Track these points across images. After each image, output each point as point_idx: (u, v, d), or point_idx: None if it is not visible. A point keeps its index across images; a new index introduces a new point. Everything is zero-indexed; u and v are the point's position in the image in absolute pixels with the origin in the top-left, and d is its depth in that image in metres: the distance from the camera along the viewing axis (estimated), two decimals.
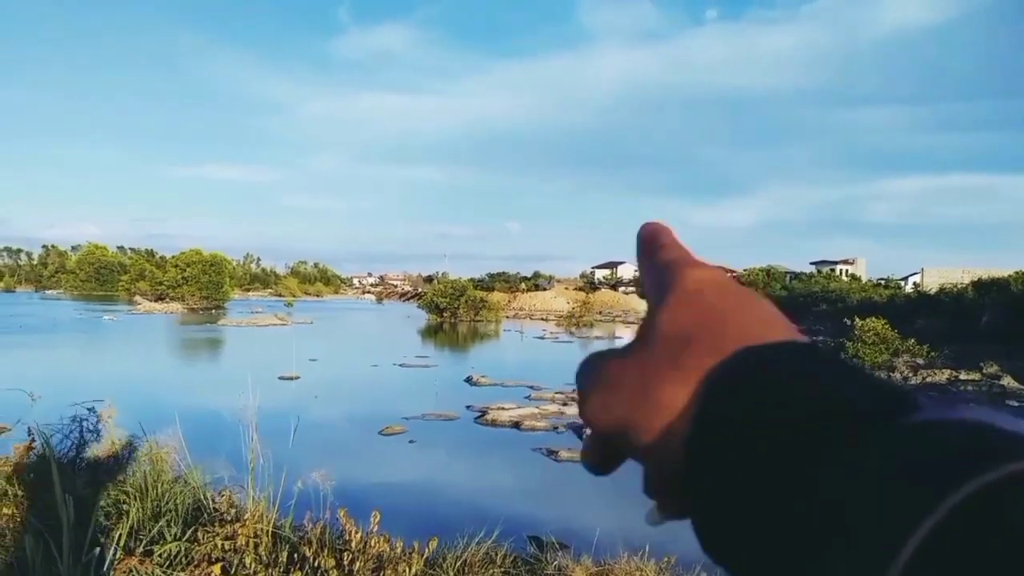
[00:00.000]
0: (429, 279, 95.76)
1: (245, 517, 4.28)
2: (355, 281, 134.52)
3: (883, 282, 64.19)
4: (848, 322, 22.21)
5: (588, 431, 0.39)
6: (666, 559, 4.77)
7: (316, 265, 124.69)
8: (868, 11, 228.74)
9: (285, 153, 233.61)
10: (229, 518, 4.46)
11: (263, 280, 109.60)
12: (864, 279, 67.62)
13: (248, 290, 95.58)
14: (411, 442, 11.43)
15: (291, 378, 17.35)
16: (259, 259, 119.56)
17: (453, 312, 43.76)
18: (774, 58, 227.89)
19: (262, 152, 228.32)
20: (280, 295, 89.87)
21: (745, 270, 76.07)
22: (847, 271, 76.95)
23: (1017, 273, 32.40)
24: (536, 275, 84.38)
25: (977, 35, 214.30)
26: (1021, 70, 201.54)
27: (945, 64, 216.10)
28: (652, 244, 0.41)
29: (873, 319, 20.54)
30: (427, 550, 4.14)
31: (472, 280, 62.27)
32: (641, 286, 0.41)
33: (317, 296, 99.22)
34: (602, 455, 0.39)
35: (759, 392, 0.30)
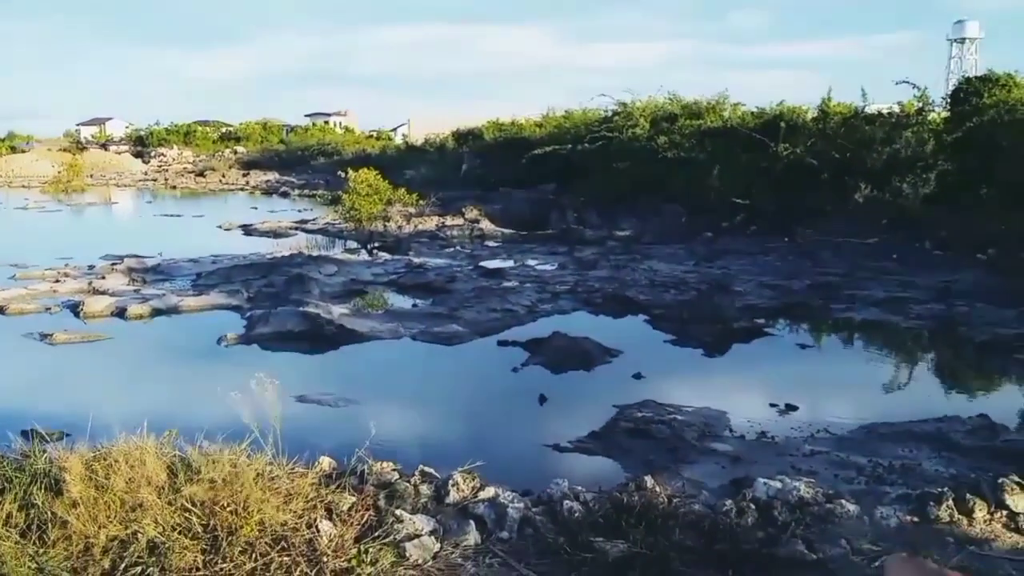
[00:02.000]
0: None
1: None
2: None
3: (375, 134, 67.70)
4: (344, 175, 23.02)
5: None
6: (167, 432, 4.64)
7: None
8: None
9: None
10: None
11: None
12: (357, 131, 70.41)
13: None
14: None
15: None
16: None
17: None
18: None
19: None
20: None
21: (242, 124, 74.21)
22: (341, 123, 79.34)
23: (489, 123, 36.41)
24: (11, 135, 72.70)
25: None
26: None
27: None
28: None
29: (366, 171, 21.51)
30: None
31: None
32: None
33: None
34: None
35: None
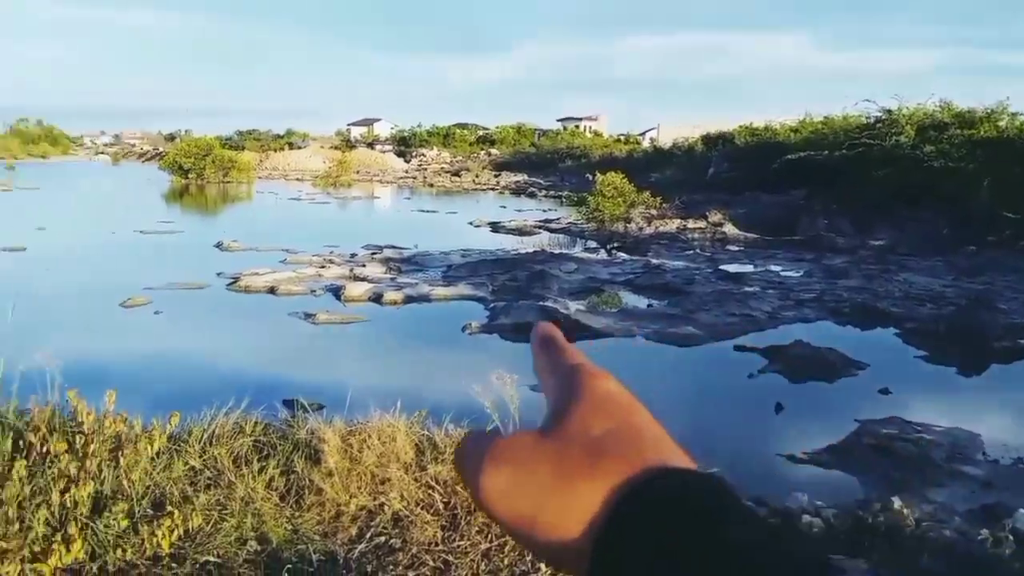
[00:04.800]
0: (171, 137, 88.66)
1: None
2: (87, 140, 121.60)
3: (623, 138, 67.96)
4: (590, 176, 23.43)
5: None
6: (418, 413, 4.97)
7: (40, 123, 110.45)
8: None
9: None
10: None
11: None
12: (606, 135, 71.09)
13: None
14: (157, 313, 10.88)
15: (16, 249, 15.72)
16: None
17: (199, 173, 41.05)
18: None
19: None
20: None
21: (498, 127, 77.29)
22: (591, 128, 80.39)
23: (741, 127, 35.43)
24: (289, 133, 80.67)
25: None
26: None
27: None
28: (552, 342, 0.47)
29: (612, 173, 21.75)
30: (169, 426, 4.05)
31: (220, 138, 58.38)
32: (537, 373, 0.46)
33: (43, 158, 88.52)
34: None
35: (668, 520, 0.33)
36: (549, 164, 51.35)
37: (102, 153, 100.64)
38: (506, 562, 3.66)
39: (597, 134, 71.74)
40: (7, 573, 3.04)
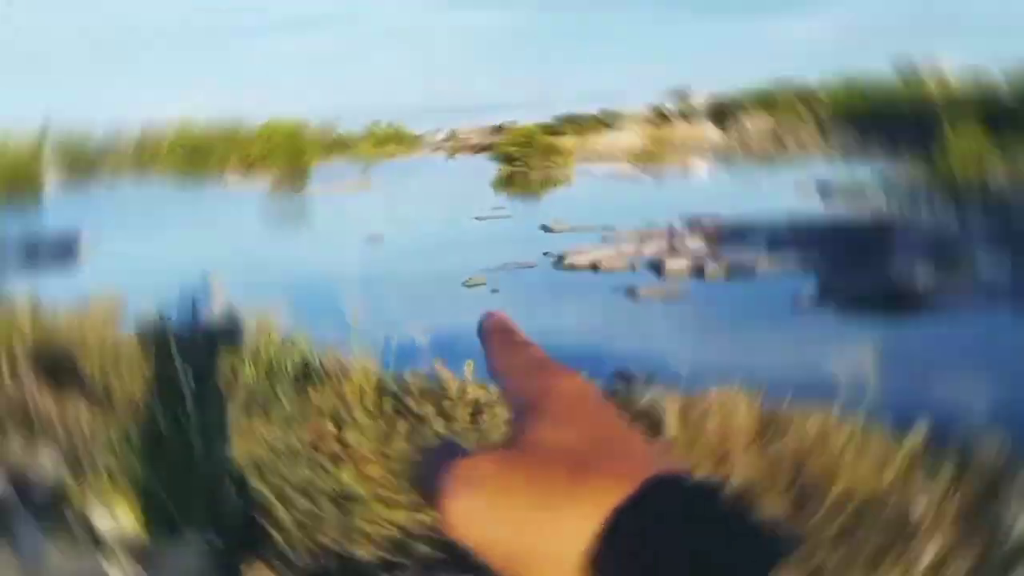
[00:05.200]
0: (498, 129, 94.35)
1: (350, 373, 4.60)
2: (427, 138, 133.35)
3: None
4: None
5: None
6: (756, 390, 4.86)
7: (390, 124, 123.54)
8: None
9: (351, 7, 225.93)
10: (336, 374, 4.79)
11: (341, 145, 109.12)
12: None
13: (328, 156, 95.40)
14: (494, 291, 11.73)
15: (377, 238, 17.80)
16: (336, 124, 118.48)
17: (524, 161, 43.40)
18: None
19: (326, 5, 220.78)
20: (358, 158, 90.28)
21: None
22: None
23: None
24: (604, 112, 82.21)
25: None
26: None
27: None
28: (506, 336, 0.43)
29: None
30: None
31: (540, 125, 61.17)
32: (492, 373, 0.43)
33: (392, 157, 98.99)
34: None
35: (666, 537, 0.31)
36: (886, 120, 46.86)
37: (439, 149, 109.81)
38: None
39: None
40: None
